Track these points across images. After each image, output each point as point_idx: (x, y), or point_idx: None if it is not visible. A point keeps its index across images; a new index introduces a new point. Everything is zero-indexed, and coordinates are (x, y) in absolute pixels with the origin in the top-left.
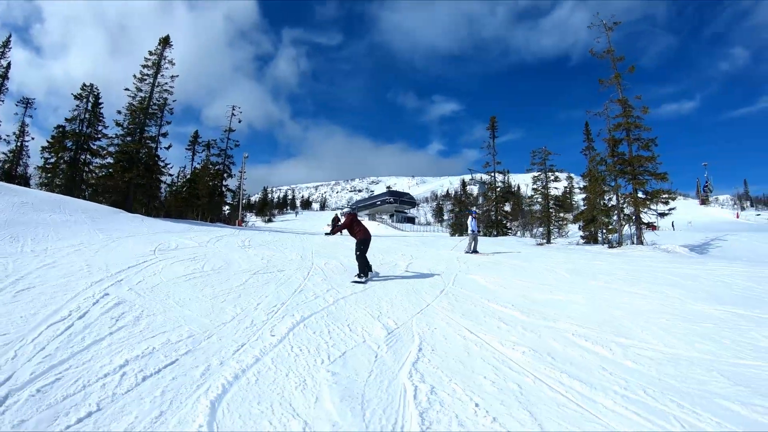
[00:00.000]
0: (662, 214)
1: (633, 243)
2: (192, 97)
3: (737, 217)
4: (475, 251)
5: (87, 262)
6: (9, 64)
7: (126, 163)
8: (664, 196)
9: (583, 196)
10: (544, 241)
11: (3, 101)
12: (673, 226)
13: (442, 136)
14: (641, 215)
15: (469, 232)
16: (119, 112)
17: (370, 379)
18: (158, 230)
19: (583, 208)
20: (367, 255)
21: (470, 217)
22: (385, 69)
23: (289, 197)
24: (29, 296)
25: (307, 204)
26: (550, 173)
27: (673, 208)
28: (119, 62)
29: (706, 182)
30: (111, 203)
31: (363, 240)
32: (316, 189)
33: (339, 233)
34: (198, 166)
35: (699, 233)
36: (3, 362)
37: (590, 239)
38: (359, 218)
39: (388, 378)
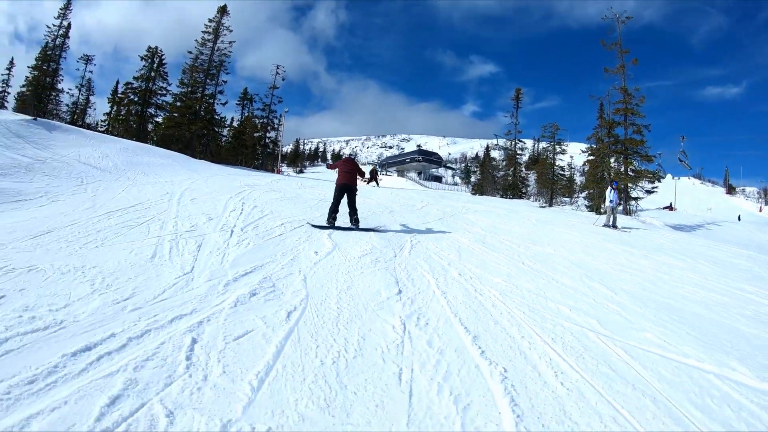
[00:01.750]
0: (649, 192)
1: (619, 213)
2: (227, 49)
3: (760, 210)
4: (614, 225)
5: (209, 187)
6: (69, 24)
7: (191, 116)
8: (649, 176)
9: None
10: (546, 204)
11: (66, 57)
12: (739, 218)
13: (478, 97)
14: (629, 191)
15: (608, 203)
16: (183, 72)
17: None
18: (229, 173)
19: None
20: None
21: (609, 188)
22: (422, 26)
23: (320, 150)
24: (202, 202)
25: (337, 157)
26: (557, 146)
27: (656, 187)
28: (154, 10)
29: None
30: (177, 151)
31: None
32: (347, 143)
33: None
34: (241, 119)
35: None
36: (229, 221)
37: (593, 208)
38: (382, 173)
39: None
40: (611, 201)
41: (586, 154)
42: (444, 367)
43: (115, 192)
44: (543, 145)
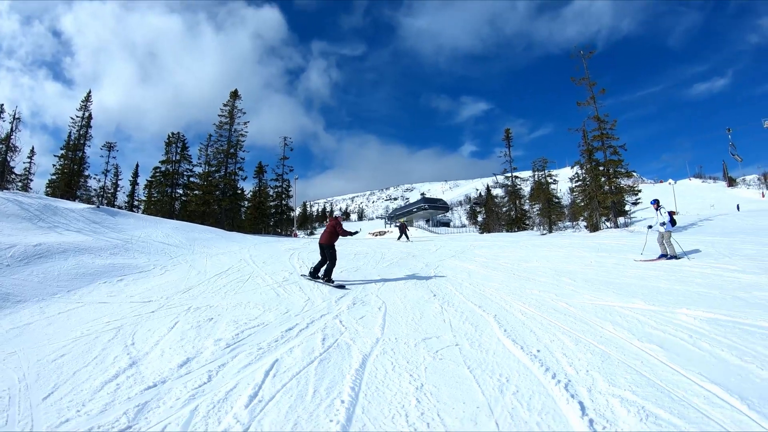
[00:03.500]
0: (634, 203)
1: (608, 227)
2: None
3: (762, 196)
4: (675, 255)
5: (266, 253)
6: (90, 115)
7: (220, 194)
8: (629, 191)
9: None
10: (546, 232)
11: (90, 146)
12: (738, 208)
13: (474, 136)
14: (616, 205)
15: (661, 229)
16: (207, 154)
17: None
18: (264, 241)
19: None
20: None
21: (658, 210)
22: (411, 75)
23: (327, 210)
24: (272, 263)
25: (345, 216)
26: (549, 177)
27: (639, 200)
28: (151, 89)
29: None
30: (209, 225)
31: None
32: (353, 200)
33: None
34: (257, 190)
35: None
36: (303, 272)
37: (590, 227)
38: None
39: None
40: (664, 225)
41: (572, 181)
42: (464, 317)
43: (204, 262)
44: (538, 175)
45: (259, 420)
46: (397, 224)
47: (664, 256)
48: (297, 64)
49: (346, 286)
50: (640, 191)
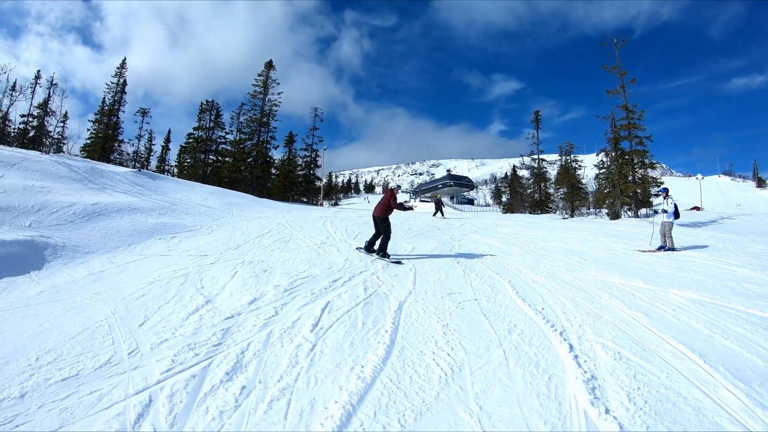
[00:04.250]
0: (656, 195)
1: (629, 216)
2: (251, 83)
3: None
4: (672, 247)
5: (300, 220)
6: (125, 81)
7: (253, 161)
8: (653, 183)
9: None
10: (568, 216)
11: (124, 111)
12: None
13: (504, 115)
14: (639, 195)
15: (664, 218)
16: (240, 122)
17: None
18: (295, 209)
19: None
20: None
21: (663, 198)
22: (442, 49)
23: (353, 181)
24: (308, 228)
25: (370, 188)
26: (574, 162)
27: (660, 191)
28: (180, 54)
29: None
30: (241, 191)
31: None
32: (378, 173)
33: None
34: (287, 158)
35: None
36: (336, 235)
37: (612, 215)
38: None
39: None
40: (667, 213)
41: (597, 168)
42: (483, 280)
43: (245, 225)
44: (563, 159)
45: (323, 340)
46: (433, 200)
47: (662, 247)
48: (328, 33)
49: (402, 262)
50: (662, 183)
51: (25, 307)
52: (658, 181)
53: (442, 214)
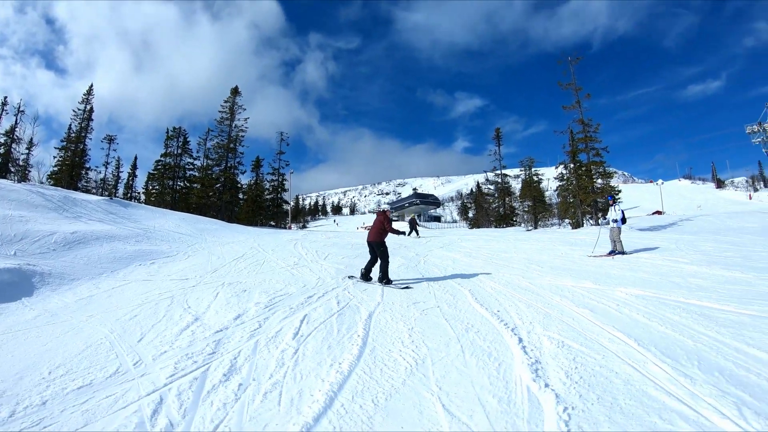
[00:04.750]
0: (614, 201)
1: (591, 225)
2: (216, 107)
3: (750, 198)
4: (623, 251)
5: (270, 244)
6: (92, 108)
7: (221, 186)
8: (609, 190)
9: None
10: (532, 228)
11: (91, 138)
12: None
13: (468, 132)
14: (599, 204)
15: (612, 225)
16: (207, 148)
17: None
18: (265, 233)
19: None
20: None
21: (612, 207)
22: (406, 69)
23: (320, 204)
24: (280, 251)
25: (337, 209)
26: (535, 176)
27: (619, 200)
28: (145, 79)
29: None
30: (210, 217)
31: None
32: (345, 194)
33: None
34: (254, 183)
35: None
36: (308, 257)
37: (573, 225)
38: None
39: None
40: (615, 221)
41: (558, 180)
42: (445, 290)
43: (219, 249)
44: (525, 173)
45: (305, 345)
46: (408, 220)
47: (613, 252)
48: (294, 56)
49: (411, 286)
50: (620, 191)
51: (25, 330)
52: (616, 189)
53: (417, 234)
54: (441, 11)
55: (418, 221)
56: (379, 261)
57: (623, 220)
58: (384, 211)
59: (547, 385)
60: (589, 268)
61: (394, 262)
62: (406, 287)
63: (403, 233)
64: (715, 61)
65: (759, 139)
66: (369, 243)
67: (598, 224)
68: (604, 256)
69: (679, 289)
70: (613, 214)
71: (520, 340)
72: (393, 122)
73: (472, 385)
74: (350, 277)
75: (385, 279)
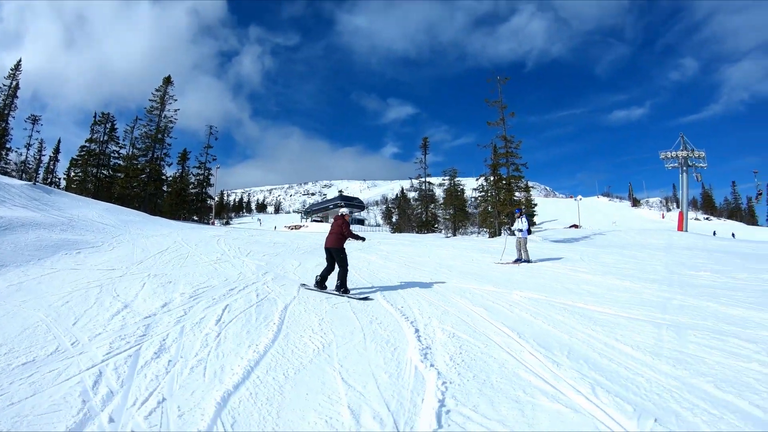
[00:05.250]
0: (530, 215)
1: (508, 234)
2: (146, 93)
3: (662, 217)
4: (528, 260)
5: (194, 238)
6: (17, 84)
7: (146, 177)
8: (526, 205)
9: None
10: (451, 235)
11: (14, 117)
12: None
13: (397, 139)
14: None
15: (519, 235)
16: (134, 137)
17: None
18: (188, 227)
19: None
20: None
21: (518, 218)
22: (342, 71)
23: (245, 200)
24: (203, 246)
25: (262, 207)
26: (457, 186)
27: (535, 212)
28: (76, 56)
29: (758, 191)
30: (133, 208)
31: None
32: (270, 192)
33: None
34: (179, 175)
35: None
36: (230, 252)
37: (491, 233)
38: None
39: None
40: (521, 231)
41: (478, 191)
42: (372, 315)
43: (144, 242)
44: (448, 183)
45: (226, 330)
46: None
47: (519, 260)
48: (231, 47)
49: (371, 297)
50: (536, 205)
51: None
52: (532, 203)
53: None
54: (384, 18)
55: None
56: (337, 268)
57: (528, 231)
58: (342, 216)
59: (432, 365)
60: (494, 273)
61: (312, 261)
62: (365, 298)
63: (363, 239)
64: (641, 91)
65: (671, 165)
66: (327, 249)
67: (508, 235)
68: (510, 263)
69: (571, 294)
70: (519, 224)
71: (417, 331)
72: (324, 123)
73: (369, 364)
74: (303, 285)
75: (343, 288)
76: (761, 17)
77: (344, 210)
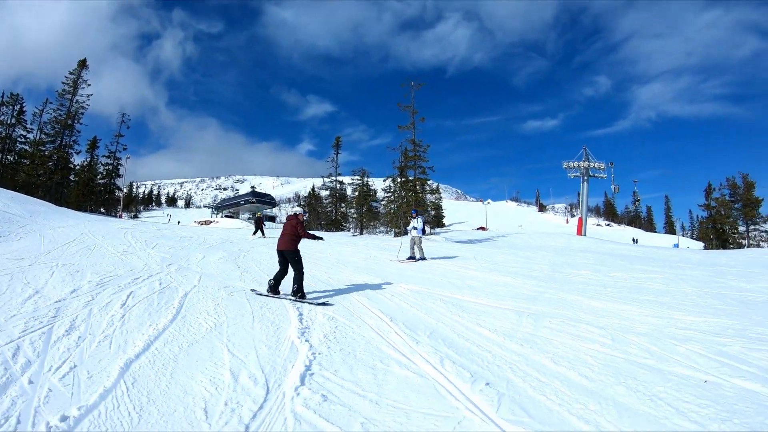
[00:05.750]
0: (435, 216)
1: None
2: (59, 72)
3: (567, 222)
4: (422, 258)
5: (101, 231)
6: None
7: (53, 165)
8: (432, 207)
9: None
10: (357, 233)
11: None
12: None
13: (314, 136)
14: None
15: (414, 234)
16: (44, 122)
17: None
18: (95, 219)
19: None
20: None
21: (414, 218)
22: (263, 64)
23: (155, 193)
24: (110, 238)
25: (172, 201)
26: (366, 186)
27: (440, 215)
28: None
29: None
30: (38, 197)
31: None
32: (182, 185)
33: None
34: (87, 164)
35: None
36: (136, 246)
37: (396, 233)
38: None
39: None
40: (416, 229)
41: (385, 191)
42: (254, 278)
43: (51, 233)
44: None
45: (130, 312)
46: (254, 218)
47: (412, 258)
48: (153, 30)
49: (331, 303)
50: (438, 206)
51: None
52: (438, 204)
53: (263, 234)
54: (311, 13)
55: (264, 222)
56: (292, 273)
57: (423, 231)
58: (296, 215)
59: (307, 341)
60: (388, 269)
61: (216, 255)
62: (323, 303)
63: (321, 239)
64: (556, 103)
65: (573, 174)
66: (280, 252)
67: (407, 234)
68: (405, 260)
69: (452, 287)
70: (415, 224)
71: (300, 315)
72: (242, 116)
73: (253, 340)
74: (253, 290)
75: (300, 293)
76: (673, 45)
77: (298, 209)
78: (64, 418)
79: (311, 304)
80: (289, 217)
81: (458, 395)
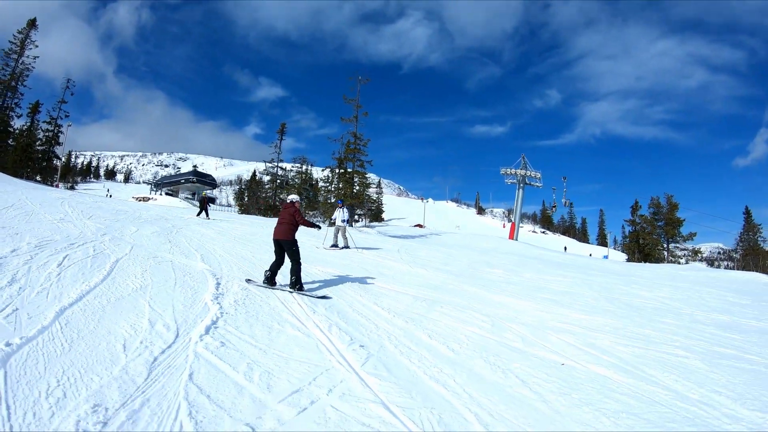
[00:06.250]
0: (371, 210)
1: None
2: (6, 28)
3: (504, 227)
4: (346, 246)
5: (37, 199)
6: None
7: None
8: (369, 200)
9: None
10: None
11: None
12: (565, 249)
13: (263, 119)
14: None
15: (339, 223)
16: None
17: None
18: (30, 187)
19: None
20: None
21: (338, 209)
22: (218, 41)
23: (94, 165)
24: (48, 206)
25: (111, 174)
26: (305, 174)
27: (382, 208)
28: None
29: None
30: None
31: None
32: (122, 159)
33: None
34: (21, 128)
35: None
36: (74, 214)
37: (331, 223)
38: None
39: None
40: (343, 221)
41: (323, 181)
42: (182, 251)
43: None
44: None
45: (65, 271)
46: (198, 198)
47: (335, 246)
48: None
49: (330, 296)
50: (376, 200)
51: None
52: (373, 198)
53: (207, 215)
54: None
55: (208, 204)
56: (289, 263)
57: (349, 222)
58: (293, 203)
59: (219, 303)
60: (314, 255)
61: (149, 229)
62: (323, 297)
63: (319, 227)
64: (505, 111)
65: (510, 181)
66: (276, 241)
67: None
68: (329, 248)
69: (365, 272)
70: (340, 214)
71: (218, 284)
72: (190, 92)
73: (172, 300)
74: (248, 280)
75: (297, 284)
76: (625, 67)
77: (294, 197)
78: (8, 344)
79: (312, 296)
80: (285, 205)
81: (334, 352)
